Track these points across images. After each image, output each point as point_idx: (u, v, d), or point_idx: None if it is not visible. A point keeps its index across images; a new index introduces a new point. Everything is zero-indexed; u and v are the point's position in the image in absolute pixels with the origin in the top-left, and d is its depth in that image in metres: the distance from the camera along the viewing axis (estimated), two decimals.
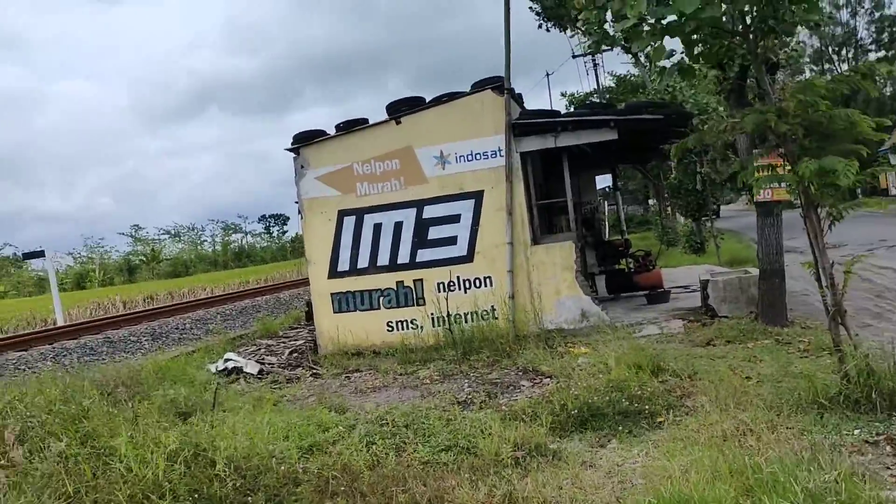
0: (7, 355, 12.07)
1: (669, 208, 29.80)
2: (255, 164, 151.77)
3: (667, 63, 6.78)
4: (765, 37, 6.30)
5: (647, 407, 6.64)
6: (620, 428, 6.39)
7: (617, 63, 70.66)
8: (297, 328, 14.71)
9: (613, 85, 33.49)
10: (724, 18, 5.84)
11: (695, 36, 6.33)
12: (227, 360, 11.01)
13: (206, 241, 68.66)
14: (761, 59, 6.14)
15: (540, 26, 23.70)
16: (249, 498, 5.16)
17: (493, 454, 5.88)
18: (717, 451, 5.25)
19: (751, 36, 6.14)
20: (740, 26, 6.07)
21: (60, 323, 19.83)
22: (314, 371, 10.75)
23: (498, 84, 11.27)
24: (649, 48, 6.22)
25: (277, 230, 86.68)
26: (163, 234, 67.48)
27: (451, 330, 10.36)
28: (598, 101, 32.90)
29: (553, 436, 6.39)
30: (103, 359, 12.21)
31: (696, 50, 6.59)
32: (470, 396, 8.21)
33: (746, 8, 5.94)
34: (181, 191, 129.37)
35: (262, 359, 11.66)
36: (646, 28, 5.76)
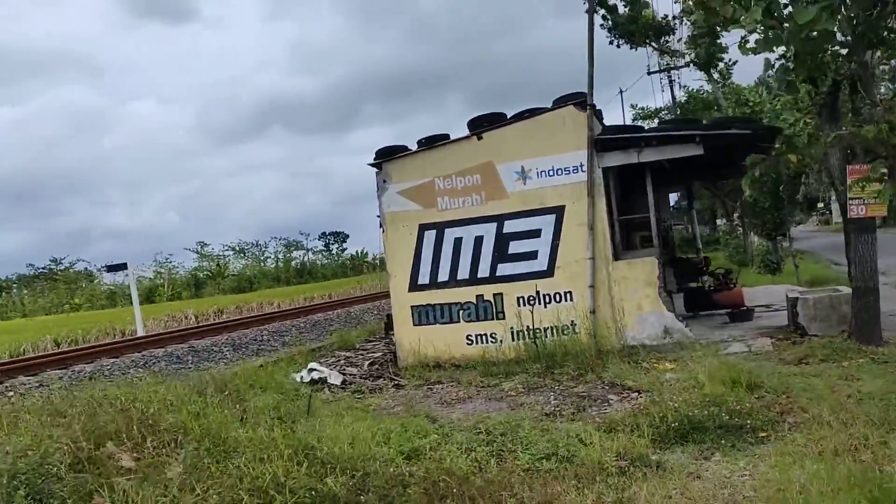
0: (101, 362, 12.55)
1: (741, 227, 29.27)
2: (316, 183, 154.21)
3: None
4: (872, 48, 6.24)
5: (747, 422, 6.58)
6: (723, 441, 6.35)
7: (690, 79, 69.68)
8: (372, 341, 14.90)
9: (684, 101, 33.17)
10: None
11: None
12: (311, 371, 11.22)
13: (269, 257, 70.01)
14: (870, 71, 6.08)
15: (611, 42, 23.67)
16: (362, 497, 5.27)
17: (596, 463, 5.91)
18: (831, 464, 5.19)
19: (858, 47, 6.10)
20: (849, 37, 6.03)
21: (140, 333, 20.44)
22: (396, 382, 10.88)
23: (580, 100, 11.33)
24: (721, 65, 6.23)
25: (336, 248, 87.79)
26: (227, 250, 69.00)
27: (536, 343, 10.40)
28: (669, 116, 32.59)
29: (653, 447, 6.38)
30: (189, 366, 12.56)
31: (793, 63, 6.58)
32: (557, 408, 8.23)
33: (856, 20, 5.90)
34: (244, 208, 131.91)
35: (343, 370, 11.85)
36: (757, 37, 5.76)
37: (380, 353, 13.28)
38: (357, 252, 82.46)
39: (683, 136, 11.00)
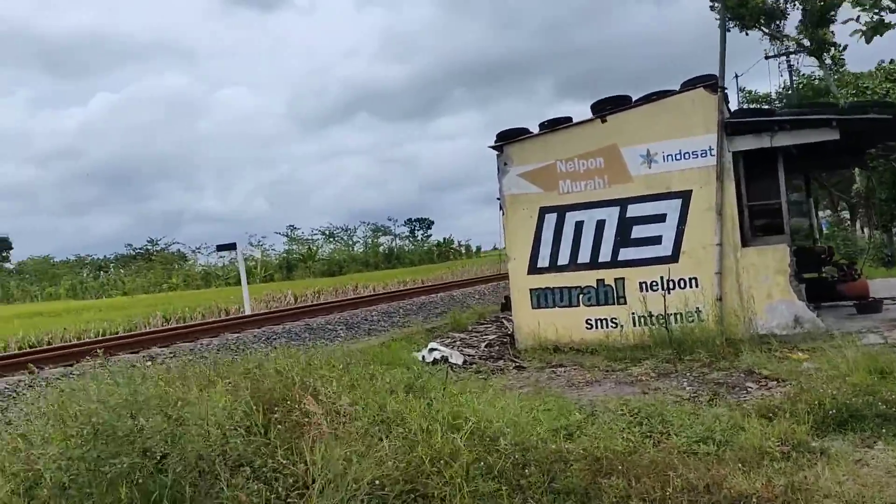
0: (225, 336, 13.05)
1: (850, 218, 28.15)
2: (402, 169, 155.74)
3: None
4: None
5: None
6: (883, 430, 6.16)
7: (802, 66, 66.74)
8: (483, 323, 15.01)
9: (798, 87, 31.99)
10: None
11: None
12: (431, 350, 11.39)
13: (357, 242, 71.16)
14: None
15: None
16: (526, 470, 5.33)
17: (757, 448, 5.81)
18: None
19: None
20: None
21: (247, 312, 21.09)
22: (517, 364, 10.93)
23: (711, 82, 11.08)
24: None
25: (422, 234, 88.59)
26: (317, 234, 70.47)
27: (667, 329, 10.28)
28: (782, 102, 31.51)
29: (811, 434, 6.24)
30: (307, 343, 12.90)
31: None
32: (694, 395, 8.13)
33: None
34: (330, 194, 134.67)
35: (461, 350, 11.98)
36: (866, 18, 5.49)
37: (494, 336, 13.37)
38: (443, 239, 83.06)
39: (819, 121, 10.64)
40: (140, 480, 4.15)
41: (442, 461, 5.13)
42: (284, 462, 4.51)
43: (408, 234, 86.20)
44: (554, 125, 12.03)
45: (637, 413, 7.00)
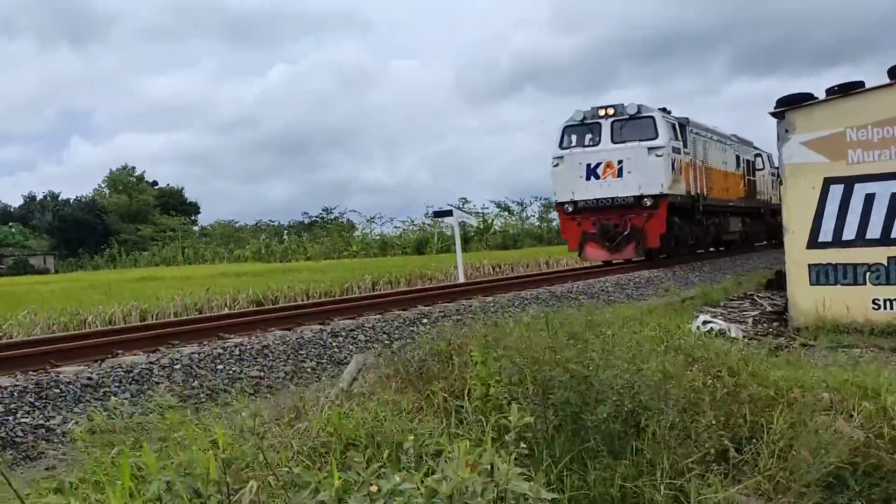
0: (460, 302, 13.24)
1: None
2: None
3: None
4: None
5: None
6: None
7: None
8: (733, 300, 14.41)
9: None
10: None
11: None
12: (706, 323, 11.00)
13: (532, 216, 70.87)
14: None
15: None
16: None
17: None
18: None
19: None
20: None
21: (461, 280, 21.38)
22: (802, 342, 10.34)
23: None
24: None
25: None
26: (489, 206, 70.76)
27: None
28: None
29: None
30: (556, 308, 12.84)
31: None
32: None
33: None
34: (495, 167, 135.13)
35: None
36: None
37: (756, 312, 12.79)
38: None
39: None
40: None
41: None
42: None
43: None
44: (846, 90, 11.20)
45: None
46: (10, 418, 6.14)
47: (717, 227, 25.74)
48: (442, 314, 11.86)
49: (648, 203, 20.09)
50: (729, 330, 10.70)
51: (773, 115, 11.62)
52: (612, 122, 20.71)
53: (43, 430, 6.10)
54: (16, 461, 5.65)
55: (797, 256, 11.53)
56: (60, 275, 56.16)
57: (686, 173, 21.84)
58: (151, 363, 7.66)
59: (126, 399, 6.80)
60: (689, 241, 23.24)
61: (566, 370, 4.13)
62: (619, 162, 20.50)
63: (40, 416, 6.26)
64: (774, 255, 23.86)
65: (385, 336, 10.23)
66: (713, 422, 4.19)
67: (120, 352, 7.96)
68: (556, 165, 21.50)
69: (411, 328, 10.85)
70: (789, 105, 11.50)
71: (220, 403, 6.57)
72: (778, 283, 13.19)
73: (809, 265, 11.43)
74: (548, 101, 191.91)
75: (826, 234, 11.31)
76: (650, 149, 20.18)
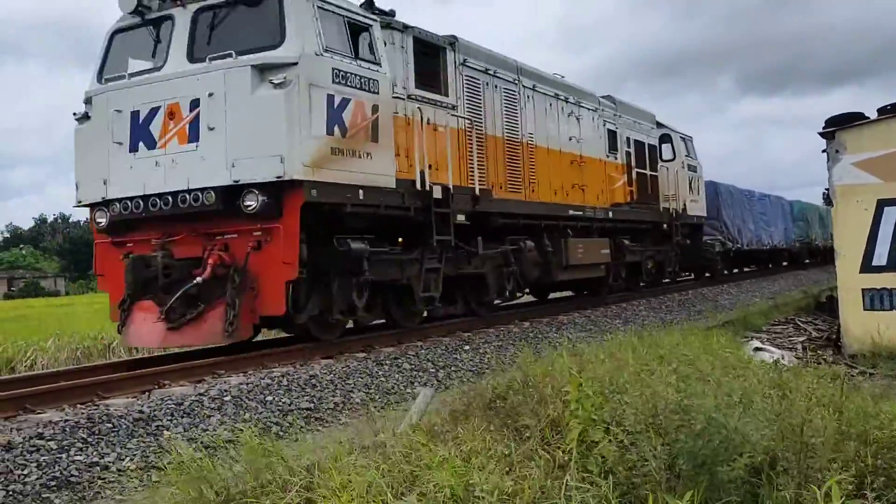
0: (498, 328, 12.98)
1: None
2: None
3: None
4: None
5: None
6: None
7: None
8: (776, 325, 14.08)
9: None
10: None
11: None
12: (757, 350, 10.69)
13: None
14: None
15: None
16: None
17: None
18: None
19: None
20: None
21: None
22: (860, 370, 10.00)
23: None
24: None
25: None
26: None
27: None
28: None
29: None
30: (595, 334, 12.52)
31: None
32: None
33: None
34: None
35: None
36: None
37: (803, 338, 12.46)
38: None
39: None
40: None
41: None
42: None
43: None
44: None
45: None
46: (63, 456, 5.84)
47: (534, 256, 14.00)
48: (483, 340, 11.56)
49: (256, 204, 8.65)
50: (783, 358, 10.38)
51: (822, 135, 11.34)
52: (197, 16, 9.39)
53: (98, 469, 5.80)
54: (72, 503, 5.37)
55: (849, 281, 11.19)
56: (72, 296, 56.03)
57: (406, 137, 10.85)
58: (201, 395, 7.37)
59: (179, 434, 6.53)
60: (429, 292, 11.27)
61: (693, 414, 3.81)
62: (193, 107, 9.00)
63: (94, 453, 5.96)
64: (693, 297, 19.38)
65: (430, 364, 9.94)
66: (844, 469, 3.85)
67: (167, 382, 7.67)
68: (81, 122, 9.93)
69: (455, 355, 10.58)
70: (839, 125, 11.24)
71: (276, 437, 6.28)
72: (820, 307, 12.85)
73: (863, 290, 11.09)
74: None
75: (880, 258, 10.98)
76: (261, 69, 8.86)
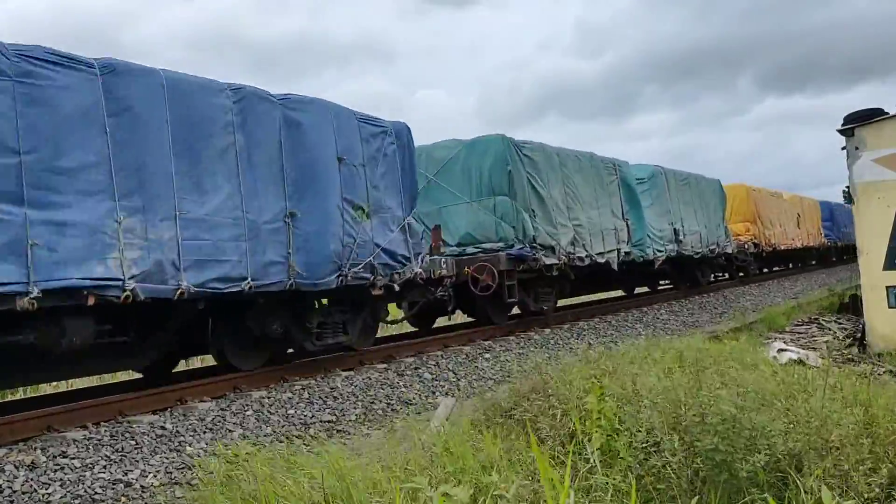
0: (518, 335, 12.91)
1: None
2: None
3: None
4: None
5: None
6: None
7: None
8: (799, 325, 13.92)
9: None
10: None
11: None
12: (781, 351, 10.55)
13: None
14: None
15: None
16: None
17: None
18: None
19: None
20: None
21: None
22: (888, 369, 9.85)
23: None
24: None
25: None
26: None
27: None
28: None
29: None
30: (616, 339, 12.43)
31: None
32: None
33: None
34: None
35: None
36: None
37: (828, 338, 12.30)
38: None
39: None
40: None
41: None
42: None
43: None
44: None
45: None
46: (87, 473, 5.88)
47: None
48: (504, 348, 11.51)
49: None
50: (807, 358, 10.25)
51: (841, 132, 11.23)
52: None
53: (121, 485, 5.83)
54: None
55: (873, 279, 11.06)
56: None
57: None
58: (223, 409, 7.39)
59: (202, 449, 6.56)
60: None
61: (716, 412, 3.76)
62: None
63: (118, 470, 5.99)
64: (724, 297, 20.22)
65: (450, 373, 9.91)
66: (873, 471, 3.79)
67: (189, 398, 7.70)
68: None
69: (475, 364, 10.54)
70: (858, 121, 11.11)
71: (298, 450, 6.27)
72: (844, 307, 12.69)
73: (888, 287, 10.95)
74: (571, 126, 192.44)
75: None
76: None
